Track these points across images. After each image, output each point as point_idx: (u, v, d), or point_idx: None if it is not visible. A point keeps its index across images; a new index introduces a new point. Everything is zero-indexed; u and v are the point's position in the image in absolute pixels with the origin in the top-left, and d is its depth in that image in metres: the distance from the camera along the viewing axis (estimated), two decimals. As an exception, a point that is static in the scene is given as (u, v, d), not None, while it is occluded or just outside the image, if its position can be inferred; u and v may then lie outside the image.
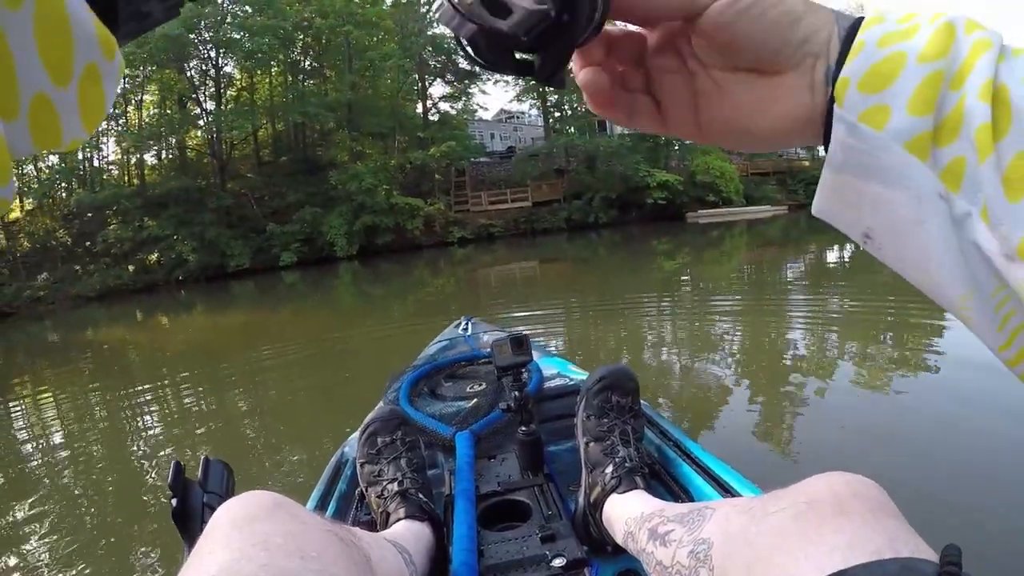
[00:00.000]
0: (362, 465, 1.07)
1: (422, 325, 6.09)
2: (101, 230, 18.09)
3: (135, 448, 3.67)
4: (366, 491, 1.05)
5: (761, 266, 9.54)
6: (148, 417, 4.37)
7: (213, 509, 0.64)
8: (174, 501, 0.86)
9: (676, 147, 25.20)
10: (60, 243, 18.31)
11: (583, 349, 5.00)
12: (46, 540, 2.47)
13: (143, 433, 4.03)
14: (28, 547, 2.42)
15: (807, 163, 28.44)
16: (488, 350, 1.23)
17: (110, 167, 21.30)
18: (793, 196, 25.40)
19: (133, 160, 21.37)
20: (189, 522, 0.86)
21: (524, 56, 0.33)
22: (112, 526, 2.59)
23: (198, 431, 3.82)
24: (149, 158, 21.70)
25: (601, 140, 23.94)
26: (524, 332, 1.26)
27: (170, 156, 21.82)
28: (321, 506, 1.14)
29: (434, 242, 20.56)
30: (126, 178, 20.99)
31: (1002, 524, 1.75)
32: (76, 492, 3.11)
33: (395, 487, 1.00)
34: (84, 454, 3.69)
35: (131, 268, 17.46)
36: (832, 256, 9.68)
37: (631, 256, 13.24)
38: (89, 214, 18.63)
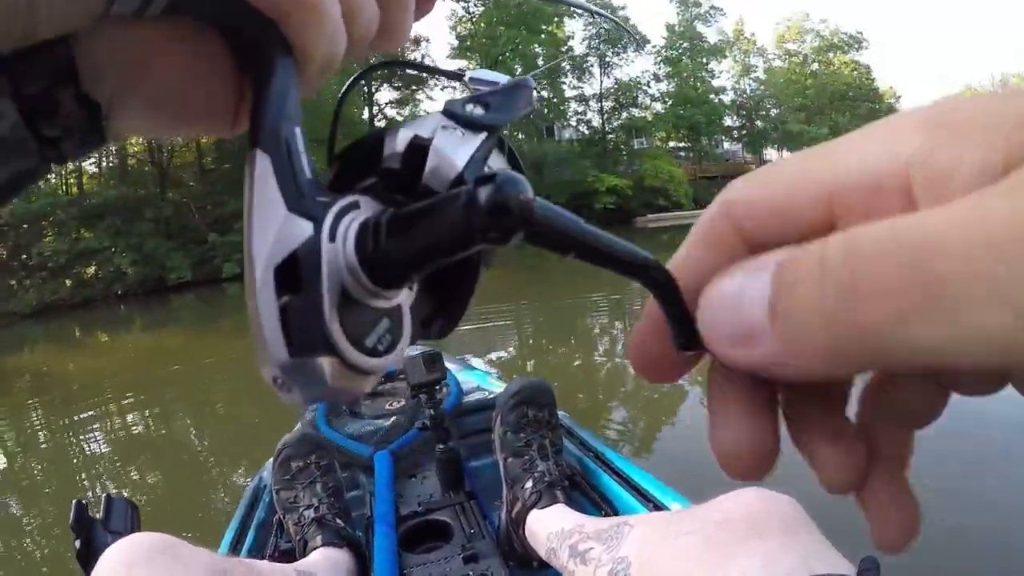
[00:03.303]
0: (278, 492, 1.06)
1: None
2: (37, 242, 17.32)
3: (76, 475, 3.54)
4: (284, 519, 1.04)
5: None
6: (89, 442, 4.21)
7: (115, 548, 0.64)
8: (77, 543, 0.85)
9: (624, 152, 25.49)
10: (-5, 257, 17.43)
11: (531, 354, 5.03)
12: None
13: (84, 459, 3.88)
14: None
15: (754, 166, 29.05)
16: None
17: (47, 175, 20.40)
18: (741, 199, 25.97)
19: (71, 167, 20.56)
20: (93, 562, 0.85)
21: None
22: (53, 557, 2.50)
23: (137, 455, 3.71)
24: (89, 166, 20.91)
25: (548, 146, 23.85)
26: (437, 349, 1.26)
27: (110, 164, 21.05)
28: (239, 536, 1.11)
29: (383, 249, 20.31)
30: (63, 187, 20.14)
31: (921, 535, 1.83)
32: (16, 519, 2.99)
33: (311, 514, 0.99)
34: (25, 482, 3.55)
35: (68, 283, 16.69)
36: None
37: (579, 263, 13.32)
38: (24, 226, 17.78)
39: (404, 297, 0.20)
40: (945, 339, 0.11)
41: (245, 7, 0.19)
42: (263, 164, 0.18)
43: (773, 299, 0.13)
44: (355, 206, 0.19)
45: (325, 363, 0.18)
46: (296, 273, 0.17)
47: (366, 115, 24.97)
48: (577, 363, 4.54)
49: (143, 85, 0.20)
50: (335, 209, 0.18)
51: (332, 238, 0.18)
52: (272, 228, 0.18)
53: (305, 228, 0.18)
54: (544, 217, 0.16)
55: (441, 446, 1.21)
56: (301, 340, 0.17)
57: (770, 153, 31.55)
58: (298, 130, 0.19)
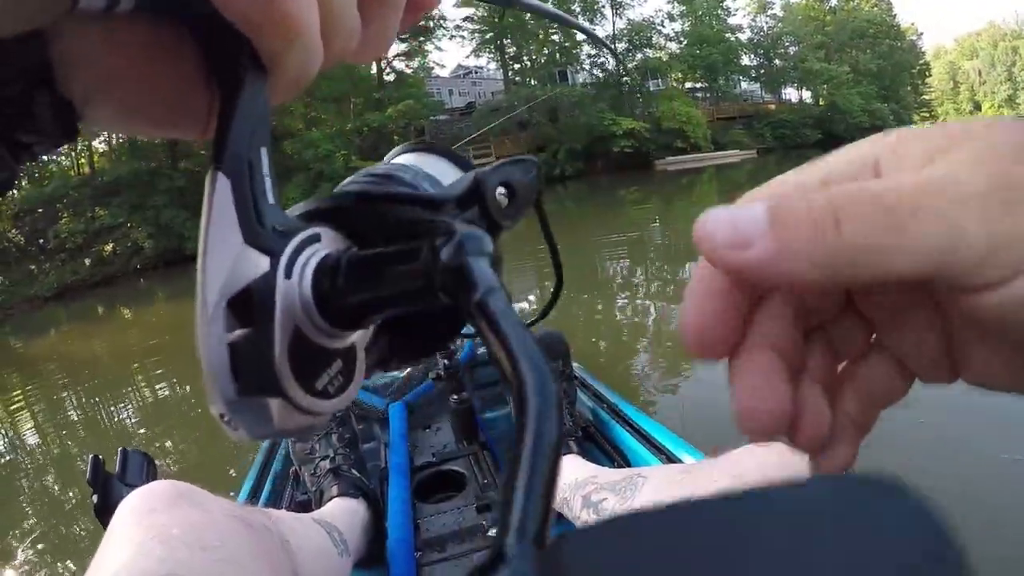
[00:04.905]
0: (293, 444, 1.07)
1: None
2: (53, 225, 17.53)
3: (109, 446, 3.61)
4: (300, 470, 1.05)
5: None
6: (120, 413, 4.32)
7: (133, 502, 0.64)
8: (94, 497, 0.85)
9: (640, 94, 24.96)
10: (13, 243, 17.66)
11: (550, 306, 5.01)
12: (33, 552, 2.46)
13: (116, 429, 3.98)
14: (14, 560, 2.41)
15: (772, 106, 28.46)
16: None
17: (57, 157, 20.51)
18: (760, 140, 25.42)
19: (81, 146, 20.60)
20: (110, 516, 0.86)
21: None
22: (95, 528, 2.58)
23: (167, 421, 3.80)
24: (99, 144, 20.94)
25: (563, 90, 23.34)
26: None
27: (119, 140, 21.07)
28: (256, 488, 1.13)
29: (399, 204, 20.32)
30: (75, 168, 20.25)
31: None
32: (53, 493, 3.09)
33: (327, 464, 1.00)
34: (62, 457, 3.66)
35: (87, 262, 16.90)
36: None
37: (599, 207, 13.21)
38: (40, 210, 17.98)
39: (359, 336, 0.19)
40: (895, 246, 0.15)
41: (217, 19, 0.17)
42: (223, 187, 0.17)
43: (772, 212, 0.16)
44: (316, 239, 0.19)
45: (273, 404, 0.17)
46: (249, 308, 0.17)
47: (374, 70, 24.66)
48: (596, 314, 4.52)
49: (117, 87, 0.19)
50: (294, 243, 0.18)
51: (288, 274, 0.18)
52: (227, 260, 0.17)
53: (261, 263, 0.17)
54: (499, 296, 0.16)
55: (455, 397, 1.21)
56: (249, 380, 0.17)
57: (789, 92, 30.73)
58: (264, 151, 0.18)
